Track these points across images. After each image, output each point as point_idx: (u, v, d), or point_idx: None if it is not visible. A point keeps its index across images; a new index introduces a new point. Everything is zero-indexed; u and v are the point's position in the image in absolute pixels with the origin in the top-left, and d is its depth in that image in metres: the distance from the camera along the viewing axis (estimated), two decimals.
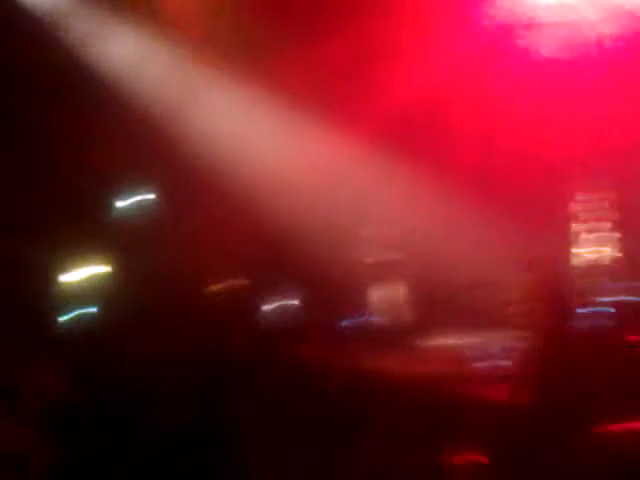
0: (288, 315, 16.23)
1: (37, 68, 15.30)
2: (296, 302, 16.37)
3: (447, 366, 13.94)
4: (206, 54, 16.81)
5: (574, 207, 17.52)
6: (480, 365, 13.99)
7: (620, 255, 16.68)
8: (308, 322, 15.49)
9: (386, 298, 16.38)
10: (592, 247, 17.08)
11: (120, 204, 16.23)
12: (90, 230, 15.27)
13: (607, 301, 15.65)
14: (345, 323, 16.71)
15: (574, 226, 17.50)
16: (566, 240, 17.44)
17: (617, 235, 16.74)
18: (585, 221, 17.44)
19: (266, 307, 16.35)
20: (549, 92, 17.55)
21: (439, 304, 16.50)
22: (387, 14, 17.07)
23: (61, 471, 9.86)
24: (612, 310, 15.19)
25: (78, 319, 14.57)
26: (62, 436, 10.16)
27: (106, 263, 15.33)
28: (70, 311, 14.68)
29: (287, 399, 12.00)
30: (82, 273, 15.34)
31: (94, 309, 14.65)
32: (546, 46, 17.68)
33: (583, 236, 17.32)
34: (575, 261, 17.21)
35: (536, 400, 10.94)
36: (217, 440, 11.29)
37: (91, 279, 15.26)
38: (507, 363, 12.79)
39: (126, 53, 16.40)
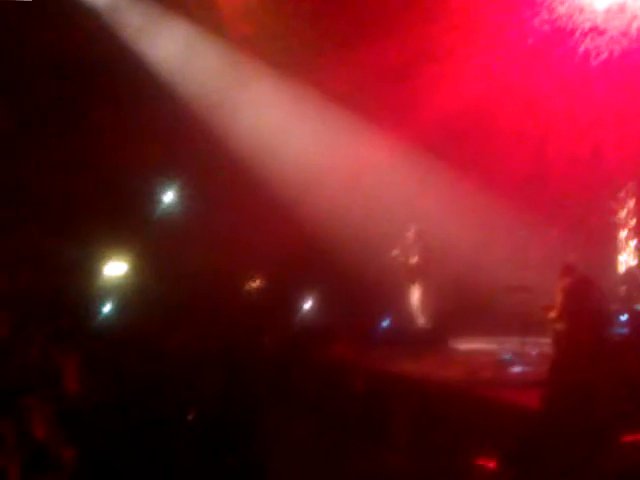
0: (320, 316, 16.28)
1: (86, 62, 15.46)
2: (328, 303, 16.43)
3: (481, 370, 13.85)
4: (255, 50, 16.96)
5: (621, 212, 17.36)
6: (515, 370, 13.86)
7: None
8: (340, 323, 15.50)
9: (421, 301, 16.35)
10: (636, 253, 16.88)
11: (158, 200, 16.36)
12: (127, 226, 15.38)
13: None
14: (380, 325, 16.74)
15: (620, 232, 17.33)
16: (610, 246, 17.29)
17: None
18: (631, 227, 17.24)
19: (299, 307, 16.44)
20: (601, 96, 17.44)
21: (475, 308, 16.45)
22: (436, 18, 17.06)
23: (89, 467, 9.91)
24: None
25: (112, 315, 14.70)
26: (89, 433, 10.23)
27: (141, 259, 15.44)
28: (104, 307, 14.81)
29: (315, 398, 12.01)
30: (117, 269, 15.47)
31: (126, 305, 14.74)
32: (597, 50, 17.55)
33: (629, 242, 17.12)
34: (618, 267, 17.06)
35: (570, 406, 10.78)
36: (244, 435, 11.29)
37: (125, 275, 15.39)
38: (542, 368, 12.62)
39: (176, 48, 16.55)
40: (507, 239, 17.04)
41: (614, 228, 17.29)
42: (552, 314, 12.82)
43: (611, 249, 17.17)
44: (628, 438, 9.18)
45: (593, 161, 17.21)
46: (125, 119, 15.96)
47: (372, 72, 16.56)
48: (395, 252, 16.11)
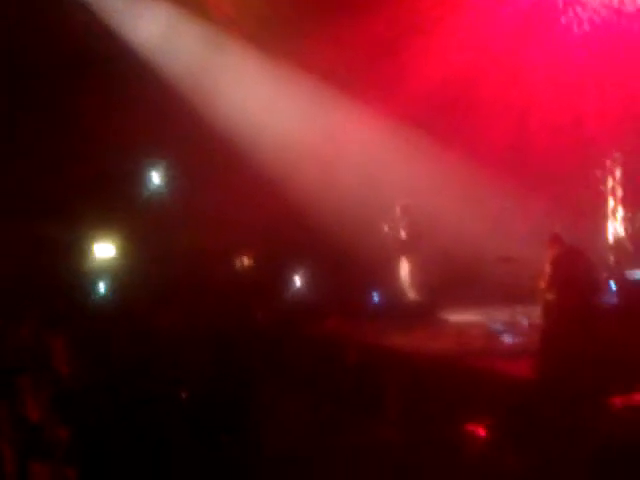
0: (311, 291, 16.33)
1: (69, 45, 15.41)
2: (319, 278, 16.47)
3: (471, 341, 13.94)
4: (238, 30, 16.90)
5: (608, 182, 17.39)
6: (506, 340, 13.94)
7: None
8: (331, 298, 15.55)
9: (410, 274, 16.39)
10: (624, 223, 16.92)
11: (146, 180, 16.35)
12: (116, 207, 15.38)
13: (636, 276, 15.53)
14: (370, 299, 16.80)
15: (607, 201, 17.38)
16: (598, 215, 17.34)
17: None
18: (619, 196, 17.28)
19: (290, 283, 16.49)
20: (584, 67, 17.46)
21: (464, 279, 16.51)
22: None
23: (83, 448, 9.94)
24: None
25: (102, 296, 14.72)
26: (81, 414, 10.27)
27: (130, 240, 15.45)
28: (94, 288, 14.84)
29: (308, 372, 12.06)
30: (107, 250, 15.48)
31: (117, 285, 14.77)
32: (579, 20, 17.56)
33: (616, 211, 17.17)
34: (606, 236, 17.12)
35: (561, 374, 10.86)
36: (238, 412, 11.35)
37: (115, 256, 15.40)
38: (532, 338, 12.69)
39: (160, 29, 16.48)
40: (493, 210, 17.08)
41: (601, 197, 17.34)
42: (541, 284, 12.90)
43: (599, 218, 17.21)
44: (617, 403, 9.27)
45: (577, 131, 17.25)
46: (111, 102, 15.92)
47: (356, 48, 16.53)
48: (384, 227, 16.15)
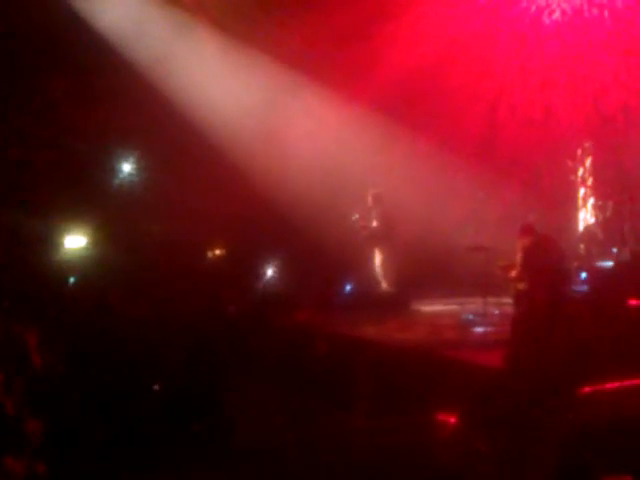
0: (282, 282, 16.31)
1: (36, 30, 15.23)
2: (291, 269, 16.46)
3: (443, 331, 13.98)
4: (205, 15, 16.79)
5: (577, 172, 17.47)
6: (477, 330, 13.99)
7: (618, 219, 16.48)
8: (302, 289, 15.54)
9: (382, 265, 16.39)
10: (594, 211, 17.00)
11: (116, 170, 16.24)
12: (85, 198, 15.27)
13: (607, 265, 15.64)
14: (342, 290, 16.80)
15: (577, 191, 17.46)
16: (569, 205, 17.41)
17: (618, 199, 16.56)
18: (588, 186, 17.36)
19: (261, 274, 16.47)
20: (555, 56, 17.52)
21: (436, 270, 16.54)
22: None
23: (56, 440, 9.91)
24: (611, 274, 15.09)
25: (74, 287, 14.62)
26: (53, 405, 10.23)
27: (101, 230, 15.34)
28: (66, 279, 14.73)
29: (278, 363, 12.06)
30: (78, 241, 15.37)
31: (89, 277, 14.66)
32: (549, 10, 17.61)
33: (587, 200, 17.25)
34: (577, 225, 17.20)
35: (531, 363, 10.91)
36: (209, 402, 11.36)
37: (86, 247, 15.30)
38: (504, 328, 12.73)
39: (127, 14, 16.34)
40: (464, 200, 17.11)
41: (572, 187, 17.42)
42: (512, 273, 12.94)
43: (570, 208, 17.30)
44: (586, 391, 9.33)
45: (548, 120, 17.32)
46: (80, 90, 15.79)
47: (326, 35, 16.46)
48: (355, 216, 16.14)
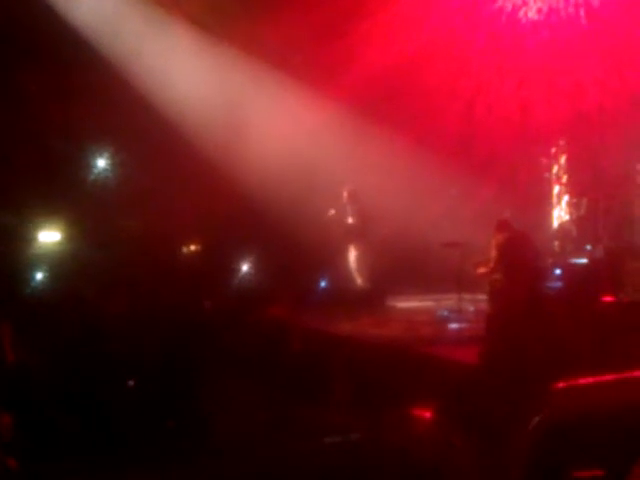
0: (257, 278, 16.31)
1: (12, 25, 15.13)
2: (266, 265, 16.46)
3: (419, 327, 14.01)
4: (181, 11, 16.73)
5: (552, 169, 17.54)
6: (452, 326, 14.03)
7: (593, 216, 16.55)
8: (277, 285, 15.53)
9: (357, 261, 16.41)
10: (568, 208, 17.07)
11: (91, 165, 16.17)
12: (60, 193, 15.20)
13: (581, 262, 15.72)
14: (317, 286, 16.82)
15: (552, 188, 17.52)
16: (544, 202, 17.48)
17: (592, 197, 16.64)
18: (563, 183, 17.43)
19: (236, 270, 16.46)
20: (530, 54, 17.57)
21: (411, 266, 16.58)
22: None
23: (27, 434, 9.85)
24: (586, 271, 15.17)
25: (49, 282, 14.57)
26: (26, 399, 10.18)
27: (76, 225, 15.29)
28: (41, 274, 14.68)
29: (254, 360, 12.05)
30: (52, 236, 15.31)
31: (64, 272, 14.61)
32: (526, 7, 17.67)
33: (561, 197, 17.32)
34: (551, 222, 17.27)
35: (506, 359, 10.96)
36: (184, 398, 11.34)
37: (61, 242, 15.24)
38: (479, 324, 12.77)
39: (104, 10, 16.26)
40: (439, 197, 17.15)
41: (547, 184, 17.49)
42: (482, 269, 13.00)
43: (544, 205, 17.36)
44: (560, 386, 9.36)
45: (523, 118, 17.36)
46: (55, 85, 15.73)
47: (301, 30, 16.42)
48: (331, 212, 16.14)
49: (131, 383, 11.37)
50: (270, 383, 11.51)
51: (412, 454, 8.91)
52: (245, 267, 16.48)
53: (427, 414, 9.54)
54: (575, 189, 17.14)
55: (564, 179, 17.34)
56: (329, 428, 10.35)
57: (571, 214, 16.96)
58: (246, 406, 10.95)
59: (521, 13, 17.61)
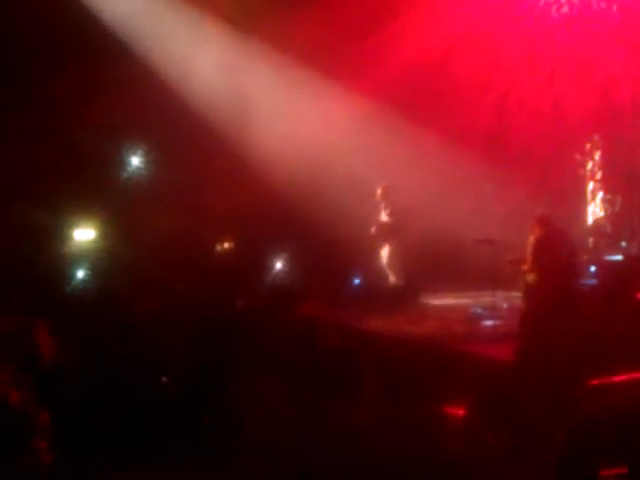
0: (291, 276, 16.34)
1: (43, 24, 15.21)
2: (299, 263, 16.48)
3: (452, 324, 13.99)
4: (213, 9, 16.76)
5: (585, 165, 17.45)
6: (486, 323, 13.99)
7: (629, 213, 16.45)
8: (311, 283, 15.53)
9: (391, 258, 16.39)
10: (603, 205, 16.97)
11: (125, 164, 16.27)
12: (94, 191, 15.30)
13: (616, 258, 15.63)
14: (351, 284, 16.82)
15: (586, 185, 17.43)
16: (578, 198, 17.39)
17: (627, 193, 16.54)
18: (597, 180, 17.33)
19: (270, 268, 16.50)
20: (563, 49, 17.48)
21: (445, 263, 16.54)
22: None
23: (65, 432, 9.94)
24: (621, 268, 15.08)
25: (82, 281, 14.67)
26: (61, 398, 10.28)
27: (110, 223, 15.39)
28: (75, 273, 14.78)
29: (286, 357, 12.07)
30: (87, 234, 15.42)
31: (97, 271, 14.71)
32: (558, 2, 17.58)
33: (596, 194, 17.23)
34: (586, 219, 17.18)
35: (541, 357, 10.92)
36: (218, 395, 11.40)
37: (95, 240, 15.34)
38: (513, 321, 12.73)
39: (135, 7, 16.32)
40: (473, 193, 17.08)
41: (581, 180, 17.40)
42: (525, 267, 12.93)
43: (579, 201, 17.28)
44: (596, 384, 9.33)
45: (557, 114, 17.27)
46: (89, 83, 15.82)
47: (332, 29, 16.42)
48: (365, 210, 16.14)
49: (164, 380, 11.43)
50: (302, 380, 11.53)
51: (445, 452, 8.93)
52: (278, 264, 16.53)
53: (460, 412, 9.55)
54: (610, 185, 17.06)
55: (598, 175, 17.25)
56: (362, 424, 10.40)
57: (606, 211, 16.89)
58: (277, 403, 10.98)
59: (553, 8, 17.53)
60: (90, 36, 15.36)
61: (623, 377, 9.56)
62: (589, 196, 17.26)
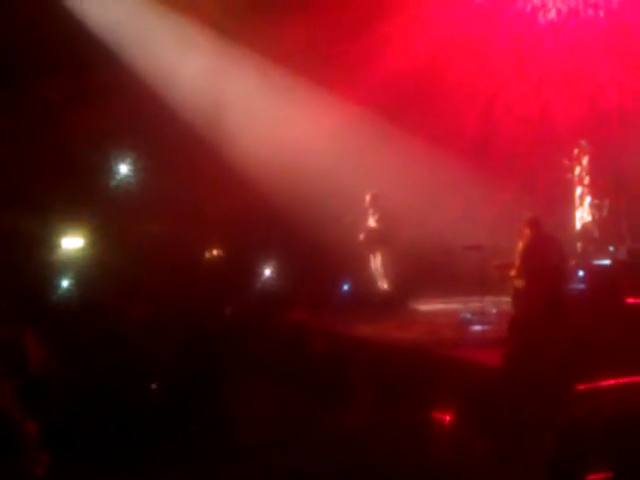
0: (280, 282, 16.34)
1: (32, 31, 15.21)
2: (288, 270, 16.48)
3: (441, 330, 14.00)
4: (197, 13, 16.74)
5: (573, 170, 17.47)
6: (475, 328, 14.01)
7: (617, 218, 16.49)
8: (299, 289, 15.54)
9: (380, 264, 16.40)
10: (591, 210, 16.99)
11: (114, 171, 16.26)
12: (83, 197, 15.29)
13: (604, 263, 15.65)
14: (339, 290, 16.83)
15: (573, 190, 17.45)
16: (566, 203, 17.41)
17: (614, 198, 16.58)
18: (585, 185, 17.35)
19: (258, 275, 16.50)
20: (550, 55, 17.54)
21: (433, 269, 16.55)
22: None
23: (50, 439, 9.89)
24: (609, 272, 15.10)
25: (71, 288, 14.65)
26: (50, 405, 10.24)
27: (98, 231, 15.37)
28: (63, 280, 14.76)
29: (275, 363, 12.07)
30: (75, 242, 15.39)
31: (86, 278, 14.69)
32: (545, 9, 17.63)
33: (584, 199, 17.24)
34: (574, 224, 17.20)
35: (529, 362, 10.94)
36: (207, 402, 11.39)
37: (84, 247, 15.32)
38: (502, 326, 12.75)
39: (121, 14, 16.30)
40: (460, 199, 17.12)
41: (569, 185, 17.42)
42: (512, 272, 12.95)
43: (567, 206, 17.29)
44: (584, 389, 9.34)
45: (544, 119, 17.32)
46: (75, 90, 15.82)
47: (319, 34, 16.45)
48: (353, 217, 16.15)
49: (154, 386, 11.41)
50: (292, 386, 11.53)
51: (432, 457, 8.93)
52: (267, 271, 16.53)
53: (448, 417, 9.55)
54: (597, 190, 17.08)
55: (586, 180, 17.27)
56: (350, 430, 10.40)
57: (593, 215, 16.89)
58: (267, 409, 10.98)
59: (540, 14, 17.59)
60: (76, 44, 15.37)
61: (611, 382, 9.58)
62: (577, 201, 17.26)
